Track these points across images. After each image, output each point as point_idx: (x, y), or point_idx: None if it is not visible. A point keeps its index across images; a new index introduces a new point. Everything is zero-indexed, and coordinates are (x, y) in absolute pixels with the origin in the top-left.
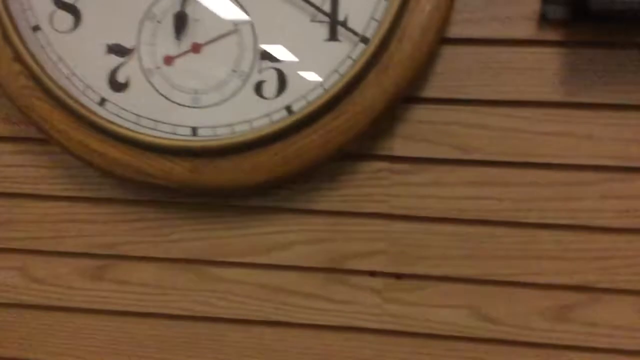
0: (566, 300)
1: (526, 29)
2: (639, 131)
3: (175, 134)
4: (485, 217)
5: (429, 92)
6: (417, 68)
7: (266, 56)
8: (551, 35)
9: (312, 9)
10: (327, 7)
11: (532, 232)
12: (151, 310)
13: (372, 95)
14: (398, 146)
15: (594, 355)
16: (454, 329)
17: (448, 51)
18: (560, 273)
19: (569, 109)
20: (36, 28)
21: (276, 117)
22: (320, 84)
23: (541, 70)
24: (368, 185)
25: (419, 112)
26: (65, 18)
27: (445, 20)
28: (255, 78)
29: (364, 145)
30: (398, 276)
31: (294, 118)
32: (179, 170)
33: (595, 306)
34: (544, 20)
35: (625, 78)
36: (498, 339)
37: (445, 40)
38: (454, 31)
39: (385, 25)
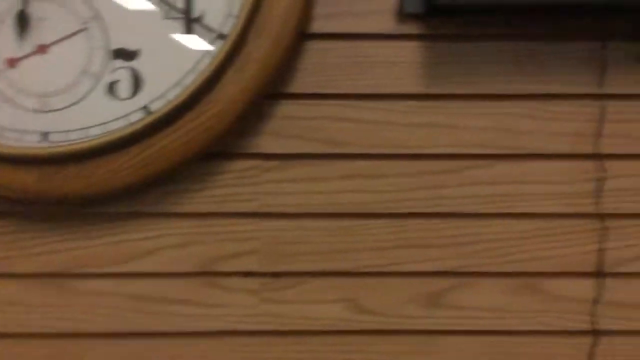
0: (437, 286)
1: (386, 23)
2: (498, 119)
3: (22, 140)
4: (358, 209)
5: (296, 87)
6: (277, 64)
7: (119, 55)
8: (410, 29)
9: (165, 6)
10: (181, 4)
11: (402, 221)
12: (11, 330)
13: (232, 92)
14: (267, 143)
15: (465, 338)
16: (332, 323)
17: (313, 46)
18: (430, 260)
19: (432, 100)
20: None
21: (133, 118)
22: (178, 83)
23: (403, 63)
24: (238, 184)
25: (287, 108)
26: None
27: (304, 15)
28: (107, 78)
29: (231, 143)
30: (274, 275)
31: (152, 118)
32: (25, 179)
33: (464, 290)
34: (402, 14)
35: (482, 69)
36: (375, 330)
37: (309, 36)
38: (317, 26)
39: (242, 21)
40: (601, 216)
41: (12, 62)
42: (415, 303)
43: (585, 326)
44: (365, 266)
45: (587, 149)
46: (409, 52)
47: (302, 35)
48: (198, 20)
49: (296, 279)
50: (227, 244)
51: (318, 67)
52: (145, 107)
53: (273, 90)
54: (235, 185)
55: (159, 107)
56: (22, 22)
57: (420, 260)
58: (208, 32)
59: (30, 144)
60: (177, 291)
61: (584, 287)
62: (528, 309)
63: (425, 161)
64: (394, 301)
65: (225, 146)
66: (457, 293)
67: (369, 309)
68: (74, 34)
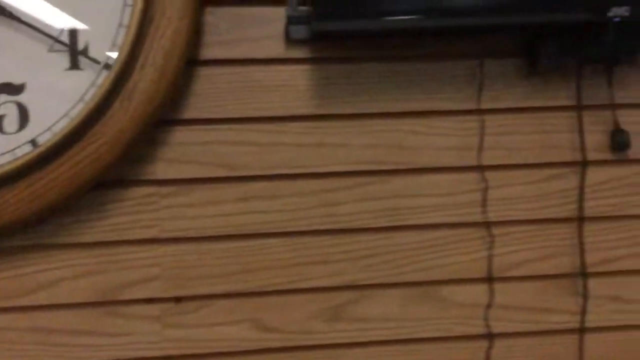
0: (338, 300)
1: (275, 48)
2: (387, 137)
3: None
4: (256, 230)
5: (189, 113)
6: (164, 92)
7: (3, 90)
8: (298, 53)
9: (49, 40)
10: (65, 37)
11: (300, 239)
12: None
13: (120, 122)
14: (163, 170)
15: (369, 349)
16: (238, 344)
17: (204, 72)
18: (330, 275)
19: (323, 120)
20: None
21: (20, 152)
22: (65, 114)
23: (293, 86)
24: (136, 212)
25: (181, 134)
26: None
27: (191, 44)
28: None
29: (127, 171)
30: (177, 300)
31: (38, 152)
32: None
33: (364, 302)
34: (289, 39)
35: (368, 89)
36: (281, 347)
37: (200, 62)
38: (208, 53)
39: (126, 52)
40: (487, 224)
41: None
42: (318, 318)
43: (481, 330)
44: (267, 285)
45: (471, 161)
46: (297, 76)
47: (192, 62)
48: (83, 52)
49: (198, 302)
50: (128, 272)
51: (209, 93)
52: (32, 141)
53: (164, 117)
54: (133, 212)
55: (46, 140)
56: None
57: (320, 276)
58: (93, 64)
59: None
60: (79, 322)
61: (477, 293)
62: (426, 317)
63: (319, 180)
64: (297, 318)
65: (121, 174)
66: (358, 306)
67: (273, 327)
68: None
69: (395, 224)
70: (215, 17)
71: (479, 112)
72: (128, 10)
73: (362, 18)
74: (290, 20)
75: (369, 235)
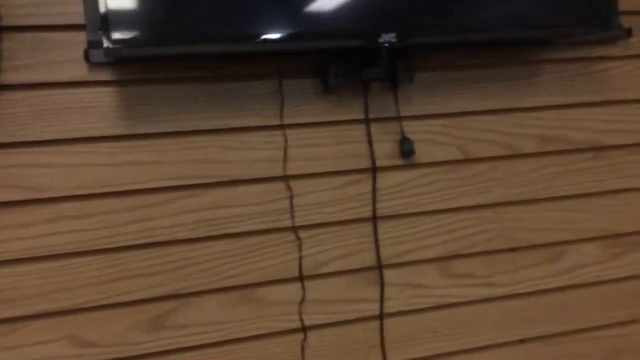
0: (158, 311)
1: (77, 72)
2: (200, 153)
3: None
4: (70, 250)
5: None
6: None
7: None
8: (101, 76)
9: None
10: None
11: (117, 256)
12: None
13: None
14: None
15: (189, 354)
16: None
17: (4, 97)
18: (149, 288)
19: (133, 140)
20: None
21: None
22: None
23: (98, 108)
24: None
25: None
26: None
27: None
28: None
29: None
30: None
31: None
32: None
33: (185, 310)
34: (90, 63)
35: (177, 109)
36: None
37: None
38: (7, 78)
39: None
40: (295, 229)
41: None
42: (138, 330)
43: (296, 325)
44: (84, 303)
45: (279, 172)
46: (102, 98)
47: None
48: None
49: (14, 324)
50: None
51: (11, 117)
52: None
53: None
54: None
55: None
56: None
57: (140, 289)
58: None
59: None
60: None
61: (291, 291)
62: (245, 318)
63: (134, 197)
64: (117, 331)
65: None
66: (179, 314)
67: (91, 342)
68: None
69: (212, 234)
70: (13, 42)
71: (283, 127)
72: None
73: (158, 45)
74: (91, 45)
75: (187, 246)
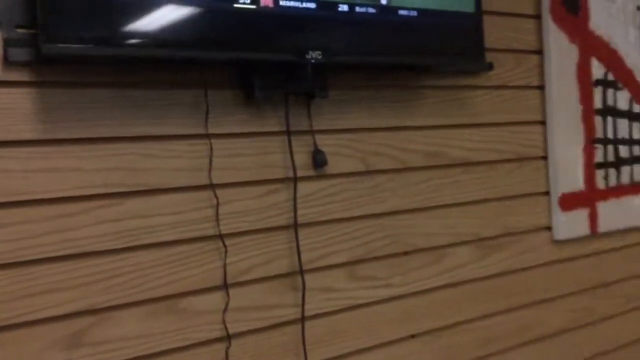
0: (76, 327)
1: None
2: (121, 160)
3: None
4: None
5: None
6: None
7: None
8: (20, 76)
9: None
10: None
11: (28, 269)
12: None
13: None
14: None
15: None
16: None
17: None
18: (65, 303)
19: (51, 145)
20: None
21: None
22: None
23: (14, 109)
24: None
25: None
26: None
27: None
28: None
29: None
30: None
31: None
32: None
33: (105, 325)
34: (7, 62)
35: (98, 114)
36: None
37: None
38: None
39: None
40: (220, 237)
41: None
42: (54, 348)
43: (219, 333)
44: None
45: (203, 181)
46: (20, 99)
47: None
48: None
49: None
50: None
51: None
52: None
53: None
54: None
55: None
56: None
57: (54, 305)
58: None
59: None
60: None
61: (214, 300)
62: (168, 329)
63: (49, 206)
64: (32, 350)
65: None
66: (98, 329)
67: None
68: None
69: (133, 244)
70: None
71: (207, 136)
72: None
73: (94, 44)
74: (8, 43)
75: (106, 257)
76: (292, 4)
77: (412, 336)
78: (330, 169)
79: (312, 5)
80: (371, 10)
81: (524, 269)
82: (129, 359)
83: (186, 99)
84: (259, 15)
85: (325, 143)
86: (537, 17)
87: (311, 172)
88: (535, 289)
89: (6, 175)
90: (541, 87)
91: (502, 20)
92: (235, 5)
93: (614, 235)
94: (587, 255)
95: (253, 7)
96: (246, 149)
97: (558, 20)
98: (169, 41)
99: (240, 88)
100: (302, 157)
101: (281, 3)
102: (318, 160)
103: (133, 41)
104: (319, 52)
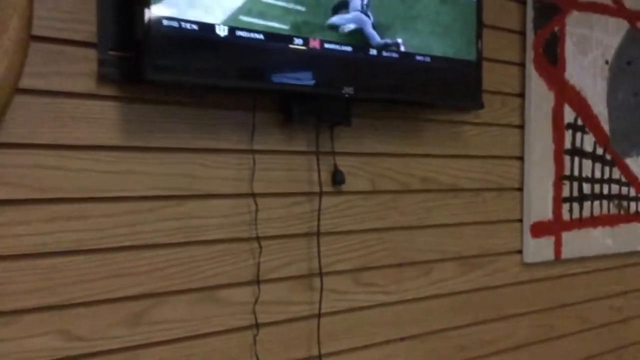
0: (139, 307)
1: (87, 85)
2: (182, 167)
3: None
4: (65, 248)
5: (4, 137)
6: None
7: None
8: (109, 91)
9: None
10: None
11: (105, 255)
12: None
13: None
14: None
15: (163, 347)
16: (47, 354)
17: (19, 100)
18: (134, 285)
19: (129, 152)
20: None
21: None
22: None
23: (102, 119)
24: None
25: None
26: None
27: (19, 77)
28: None
29: None
30: None
31: None
32: None
33: (161, 307)
34: (101, 78)
35: (168, 127)
36: (86, 354)
37: (17, 91)
38: (26, 83)
39: None
40: (257, 239)
41: None
42: (120, 325)
43: (249, 322)
44: (74, 298)
45: (245, 189)
46: (107, 111)
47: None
48: None
49: (7, 318)
50: None
51: (23, 120)
52: None
53: None
54: None
55: None
56: None
57: (124, 287)
58: None
59: None
60: None
61: (247, 293)
62: (209, 315)
63: (124, 203)
64: (101, 325)
65: None
66: (155, 311)
67: (79, 336)
68: None
69: (188, 240)
70: (32, 50)
71: (252, 152)
72: None
73: (184, 75)
74: (103, 63)
75: (167, 249)
76: (333, 47)
77: (402, 339)
78: (346, 186)
79: (349, 49)
80: (394, 55)
81: (496, 287)
82: (178, 338)
83: (237, 119)
84: (308, 55)
85: (343, 164)
86: (522, 65)
87: (330, 189)
88: (505, 304)
89: (91, 174)
90: (521, 127)
91: (492, 67)
92: (290, 46)
93: (575, 261)
94: (551, 278)
95: (304, 48)
96: (280, 165)
97: (539, 69)
98: (233, 72)
99: (281, 112)
100: (323, 175)
101: (325, 46)
102: (337, 178)
103: (216, 73)
104: (351, 88)
